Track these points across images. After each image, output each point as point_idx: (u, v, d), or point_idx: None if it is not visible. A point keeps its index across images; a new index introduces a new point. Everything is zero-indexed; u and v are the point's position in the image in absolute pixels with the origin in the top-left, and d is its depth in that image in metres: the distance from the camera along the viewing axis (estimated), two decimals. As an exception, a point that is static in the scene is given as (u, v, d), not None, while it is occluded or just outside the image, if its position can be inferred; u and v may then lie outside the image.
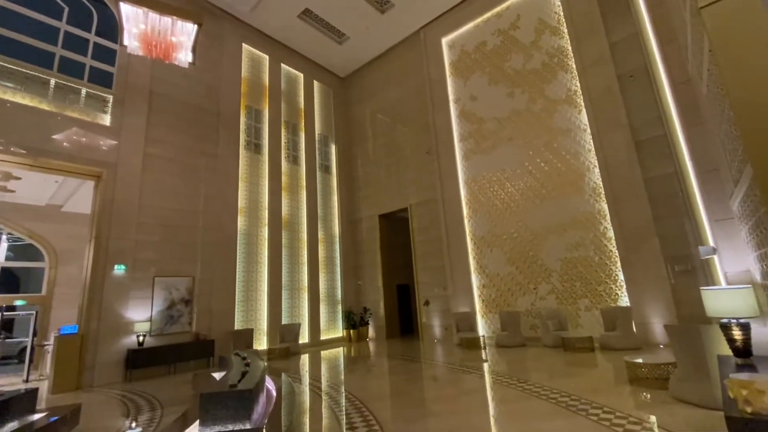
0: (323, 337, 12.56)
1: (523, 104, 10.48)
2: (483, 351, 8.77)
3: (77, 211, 12.60)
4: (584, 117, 9.38)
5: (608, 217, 8.75)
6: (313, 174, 13.69)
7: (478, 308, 10.56)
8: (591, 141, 9.17)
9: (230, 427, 3.30)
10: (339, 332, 13.18)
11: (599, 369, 6.22)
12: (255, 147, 12.19)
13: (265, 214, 11.86)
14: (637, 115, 8.53)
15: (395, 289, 13.89)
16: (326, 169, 14.54)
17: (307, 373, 7.84)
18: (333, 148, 14.98)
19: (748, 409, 1.78)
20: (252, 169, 11.90)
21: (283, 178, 12.69)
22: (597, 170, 9.03)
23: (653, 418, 3.70)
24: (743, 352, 2.86)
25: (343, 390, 5.95)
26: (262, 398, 4.20)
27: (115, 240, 8.62)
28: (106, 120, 9.24)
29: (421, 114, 12.89)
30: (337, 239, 14.14)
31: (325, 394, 5.76)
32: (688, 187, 7.09)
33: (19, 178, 9.95)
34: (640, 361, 5.09)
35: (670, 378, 4.39)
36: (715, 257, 6.08)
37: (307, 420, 4.56)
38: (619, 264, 8.52)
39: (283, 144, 13.01)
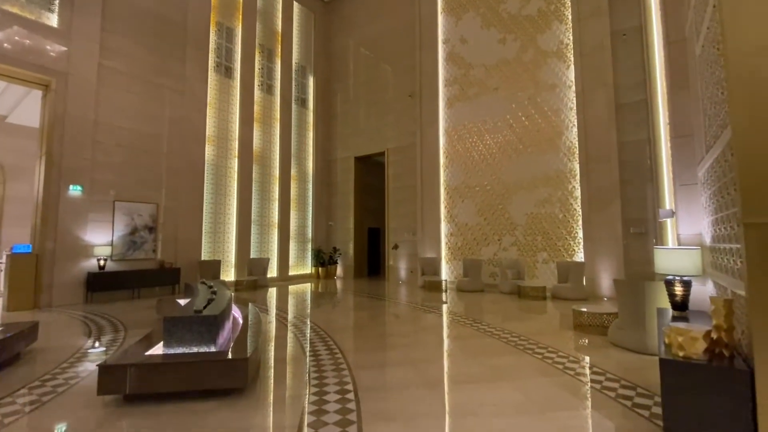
0: (292, 272, 12.77)
1: (513, 53, 10.10)
2: (444, 294, 9.26)
3: (24, 123, 11.48)
4: (571, 73, 9.21)
5: (578, 177, 8.99)
6: (288, 106, 12.98)
7: (443, 254, 10.96)
8: (574, 99, 9.10)
9: (195, 349, 3.36)
10: (308, 269, 13.42)
11: (548, 315, 6.74)
12: (226, 70, 11.26)
13: (236, 145, 11.31)
14: (623, 77, 8.47)
15: (366, 232, 14.08)
16: (302, 102, 13.79)
17: (274, 305, 8.04)
18: (311, 81, 14.12)
19: (681, 354, 1.97)
20: (222, 95, 11.09)
21: (256, 108, 11.96)
22: (575, 129, 9.09)
23: (588, 359, 4.09)
24: (681, 306, 3.14)
25: (308, 321, 6.17)
26: (228, 325, 4.28)
27: (69, 158, 8.00)
28: (53, 20, 8.11)
29: (408, 53, 12.19)
30: (311, 178, 13.86)
31: (291, 325, 5.96)
32: (658, 154, 7.32)
33: (-49, 79, 8.77)
34: (584, 309, 5.54)
35: (610, 326, 4.82)
36: (669, 221, 6.47)
37: (272, 347, 4.73)
38: (580, 222, 8.93)
39: (256, 70, 12.08)
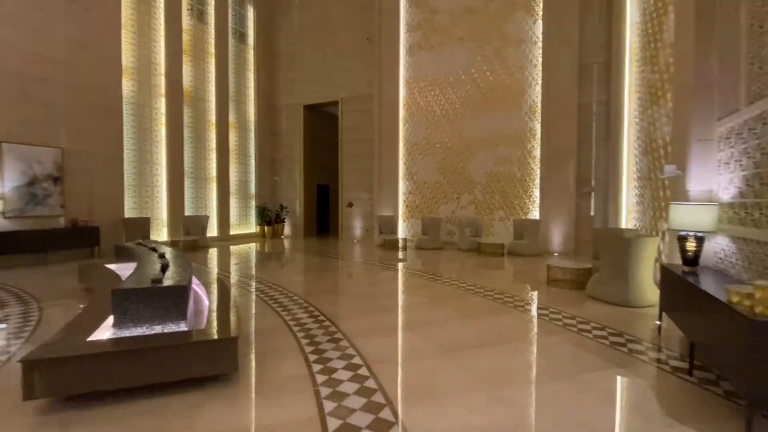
0: (234, 231, 11.63)
1: (481, 1, 9.55)
2: (404, 252, 9.07)
3: None
4: (538, 28, 8.99)
5: (538, 136, 9.08)
6: (224, 40, 11.14)
7: (401, 212, 10.69)
8: (540, 56, 8.97)
9: (158, 329, 2.63)
10: (252, 228, 12.33)
11: (515, 271, 6.88)
12: (144, -15, 9.11)
13: (162, 80, 9.47)
14: (589, 36, 8.46)
15: (315, 189, 13.22)
16: (241, 37, 11.95)
17: (227, 268, 7.15)
18: (251, 13, 12.21)
19: (770, 314, 1.83)
20: (141, 16, 9.03)
21: (185, 38, 10.04)
22: (538, 88, 9.04)
23: (579, 314, 4.11)
24: (692, 261, 3.15)
25: (273, 285, 5.50)
26: (192, 295, 3.52)
27: (-76, 80, 5.92)
28: None
29: (365, -11, 10.98)
30: (253, 126, 12.39)
31: (256, 290, 5.26)
32: (618, 116, 7.55)
33: None
34: (560, 265, 5.66)
35: (589, 281, 4.95)
36: (625, 181, 6.74)
37: (246, 317, 4.06)
38: (537, 181, 9.15)
39: (184, -10, 10.01)
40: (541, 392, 2.45)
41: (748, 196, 2.71)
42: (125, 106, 8.69)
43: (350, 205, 11.51)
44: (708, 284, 2.61)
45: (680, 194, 3.59)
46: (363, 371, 2.71)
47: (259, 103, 12.38)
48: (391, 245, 9.69)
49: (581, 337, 3.45)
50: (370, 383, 2.53)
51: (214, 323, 2.82)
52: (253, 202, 12.42)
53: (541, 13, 8.92)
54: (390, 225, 10.42)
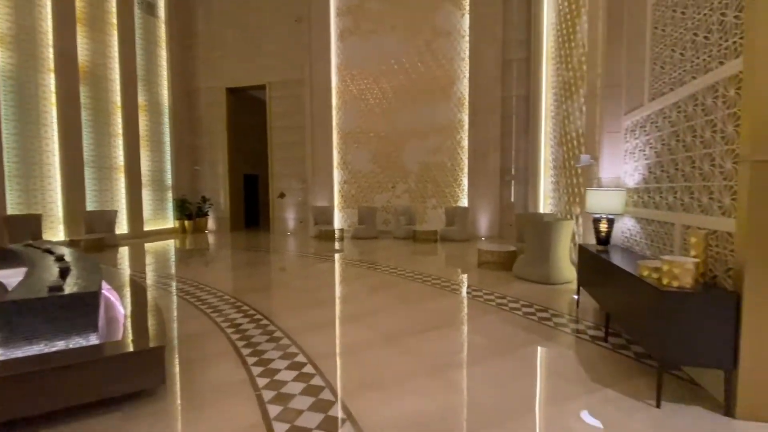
0: (148, 227, 10.46)
1: (411, -10, 9.62)
2: (340, 242, 8.95)
3: None
4: (466, 23, 9.33)
5: (466, 127, 9.50)
6: (128, 10, 9.79)
7: (336, 203, 10.51)
8: (467, 49, 9.33)
9: (61, 345, 2.24)
10: (169, 223, 11.21)
11: (448, 256, 7.16)
12: (19, -65, 7.59)
13: (50, 52, 8.05)
14: (511, 33, 9.00)
15: (242, 179, 12.41)
16: (149, 8, 10.61)
17: (141, 269, 6.39)
18: (160, -19, 10.89)
19: (675, 284, 2.10)
20: (17, -27, 7.53)
21: (78, 3, 8.63)
22: (466, 80, 9.42)
23: (508, 293, 4.41)
24: (605, 240, 3.53)
25: (199, 284, 5.05)
26: (102, 302, 3.06)
27: None
28: None
29: (292, -33, 10.40)
30: (167, 110, 11.17)
31: (179, 291, 4.78)
32: (537, 109, 8.17)
33: None
34: (490, 249, 6.01)
35: (516, 262, 5.33)
36: (543, 169, 7.36)
37: (168, 320, 3.65)
38: (465, 170, 9.60)
39: (74, -53, 8.55)
40: (483, 371, 2.56)
41: (650, 182, 3.09)
42: (1, 81, 7.23)
43: (282, 195, 11.02)
44: (619, 260, 2.94)
45: (593, 181, 3.99)
46: (308, 369, 2.59)
47: (173, 84, 11.18)
48: (327, 236, 9.51)
49: (513, 314, 3.70)
50: (317, 381, 2.43)
51: (133, 333, 2.48)
52: (169, 194, 11.27)
53: (468, 8, 9.25)
54: (325, 215, 10.20)
